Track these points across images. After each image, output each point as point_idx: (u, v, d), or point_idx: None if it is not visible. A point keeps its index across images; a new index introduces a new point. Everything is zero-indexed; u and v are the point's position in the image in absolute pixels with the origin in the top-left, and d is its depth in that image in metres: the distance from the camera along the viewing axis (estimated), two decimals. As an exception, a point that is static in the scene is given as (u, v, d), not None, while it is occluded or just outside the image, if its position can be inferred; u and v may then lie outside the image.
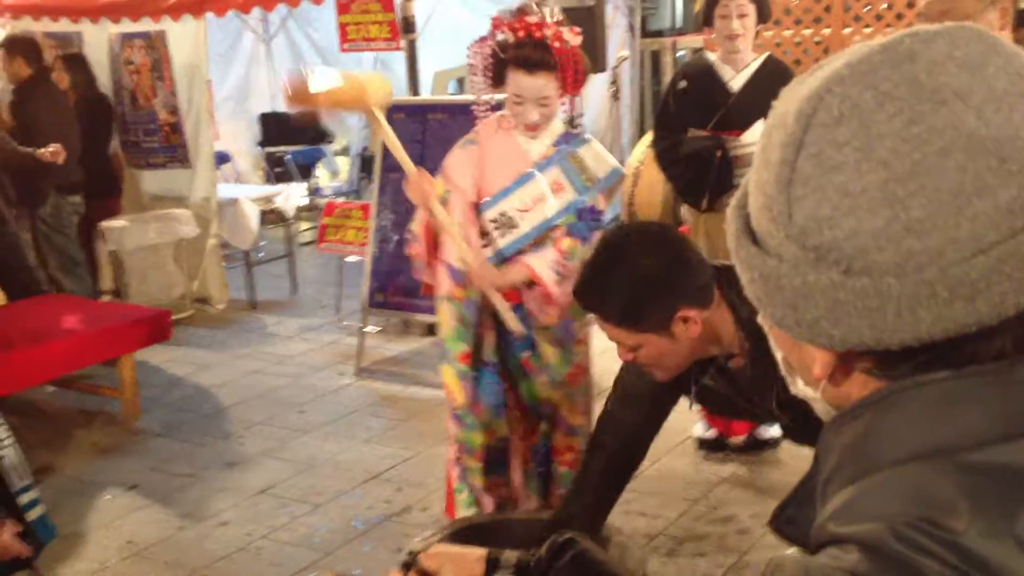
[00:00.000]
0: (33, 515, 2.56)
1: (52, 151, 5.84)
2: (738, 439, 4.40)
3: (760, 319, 0.88)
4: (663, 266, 2.03)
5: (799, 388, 0.90)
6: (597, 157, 3.26)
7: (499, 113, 3.25)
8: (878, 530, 0.71)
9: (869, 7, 6.90)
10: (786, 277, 0.78)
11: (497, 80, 3.14)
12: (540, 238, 3.20)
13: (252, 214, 7.25)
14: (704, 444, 4.45)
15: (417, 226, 3.28)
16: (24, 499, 2.54)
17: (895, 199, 0.73)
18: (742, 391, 2.22)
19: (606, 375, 3.30)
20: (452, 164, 3.28)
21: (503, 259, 3.22)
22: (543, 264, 3.13)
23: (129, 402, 5.20)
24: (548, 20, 3.10)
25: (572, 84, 3.12)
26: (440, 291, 3.26)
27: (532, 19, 3.08)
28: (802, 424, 2.07)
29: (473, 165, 3.22)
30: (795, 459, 4.35)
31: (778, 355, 0.90)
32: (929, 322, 0.74)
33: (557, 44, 3.07)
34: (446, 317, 3.26)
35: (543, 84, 3.08)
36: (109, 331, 5.07)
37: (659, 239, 2.10)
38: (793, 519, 0.91)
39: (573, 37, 3.12)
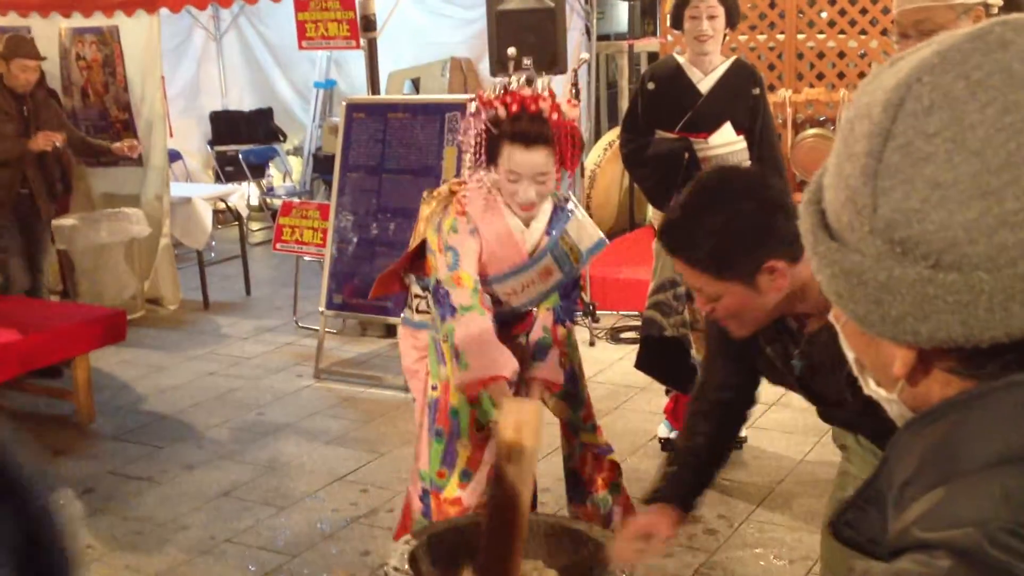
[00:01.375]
0: None
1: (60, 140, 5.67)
2: (702, 439, 4.42)
3: (832, 316, 0.86)
4: (756, 213, 1.96)
5: (872, 389, 0.88)
6: (580, 230, 3.14)
7: (485, 185, 3.04)
8: (972, 536, 0.69)
9: (823, 12, 7.00)
10: (870, 272, 0.77)
11: (490, 158, 2.95)
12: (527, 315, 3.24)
13: (205, 213, 7.15)
14: (668, 445, 4.46)
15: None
16: None
17: (988, 190, 0.71)
18: (813, 364, 2.15)
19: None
20: (463, 245, 3.04)
21: None
22: (553, 371, 3.19)
23: (83, 404, 5.09)
24: (542, 92, 2.93)
25: (570, 159, 2.95)
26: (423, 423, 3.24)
27: (526, 92, 2.90)
28: (873, 411, 2.05)
29: (479, 250, 3.05)
30: (758, 460, 4.39)
31: (849, 355, 0.88)
32: (1022, 317, 0.72)
33: (555, 116, 2.90)
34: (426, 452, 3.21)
35: (541, 160, 2.89)
36: (64, 331, 4.96)
37: (756, 185, 2.03)
38: (853, 523, 0.88)
39: (570, 109, 2.95)
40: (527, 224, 3.06)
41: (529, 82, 2.96)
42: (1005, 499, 0.70)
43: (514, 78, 2.98)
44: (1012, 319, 0.73)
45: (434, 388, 3.17)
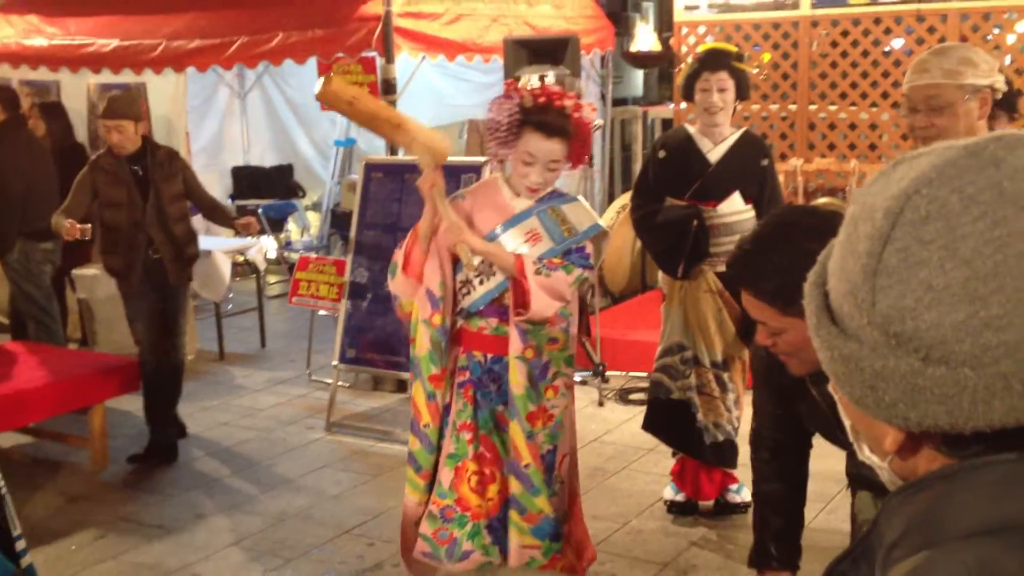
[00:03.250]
0: (24, 563, 2.56)
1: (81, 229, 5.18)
2: (708, 503, 4.47)
3: (831, 389, 0.94)
4: (815, 244, 2.04)
5: (866, 454, 0.96)
6: (580, 213, 3.38)
7: (491, 173, 3.41)
8: None
9: (834, 84, 7.14)
10: (866, 360, 0.84)
11: (512, 138, 3.28)
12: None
13: (224, 266, 7.27)
14: (674, 507, 4.50)
15: (404, 246, 3.37)
16: (18, 546, 2.54)
17: (976, 296, 0.79)
18: None
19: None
20: None
21: (476, 310, 3.34)
22: (529, 259, 3.24)
23: (97, 452, 5.17)
24: (569, 93, 3.31)
25: (579, 155, 3.32)
26: (420, 315, 3.35)
27: (555, 88, 3.27)
28: None
29: (461, 217, 3.30)
30: (762, 523, 4.42)
31: (846, 422, 0.96)
32: (1002, 412, 0.80)
33: (576, 115, 3.26)
34: (422, 339, 3.35)
35: (556, 149, 3.25)
36: (81, 379, 5.05)
37: (829, 225, 2.09)
38: (845, 575, 0.95)
39: (590, 113, 3.31)
40: (518, 194, 3.37)
41: (559, 83, 3.23)
42: (979, 567, 0.77)
43: (549, 75, 3.28)
44: (992, 412, 0.80)
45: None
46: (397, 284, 3.37)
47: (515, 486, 3.33)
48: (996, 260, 0.79)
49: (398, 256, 3.36)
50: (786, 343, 2.09)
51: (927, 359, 0.80)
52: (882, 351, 0.83)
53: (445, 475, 3.34)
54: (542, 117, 3.22)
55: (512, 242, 3.29)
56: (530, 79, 3.38)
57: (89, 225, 5.22)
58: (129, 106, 5.32)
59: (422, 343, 3.36)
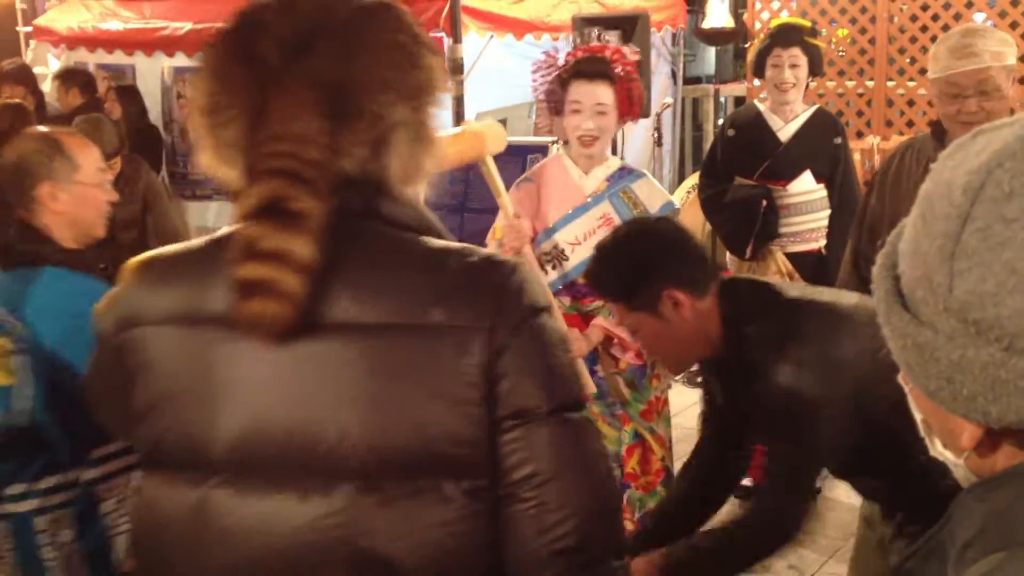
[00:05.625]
0: None
1: None
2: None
3: (901, 379, 0.87)
4: (651, 250, 2.22)
5: (938, 450, 0.89)
6: (651, 192, 3.32)
7: (555, 154, 3.39)
8: None
9: (913, 60, 6.93)
10: (942, 350, 0.78)
11: (560, 104, 3.25)
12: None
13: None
14: (740, 491, 4.42)
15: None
16: None
17: None
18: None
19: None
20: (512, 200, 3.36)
21: (552, 292, 3.29)
22: (612, 322, 3.22)
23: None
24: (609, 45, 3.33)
25: (627, 101, 3.23)
26: None
27: (592, 44, 3.33)
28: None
29: (529, 202, 3.32)
30: (832, 511, 4.32)
31: (917, 416, 0.89)
32: None
33: (616, 58, 3.23)
34: None
35: (601, 92, 3.18)
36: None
37: (655, 227, 2.37)
38: (912, 572, 0.91)
39: (631, 53, 3.28)
40: (587, 172, 3.31)
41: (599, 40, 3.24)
42: None
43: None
44: None
45: None
46: None
47: None
48: None
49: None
50: (643, 338, 2.27)
51: (1010, 349, 0.74)
52: (960, 340, 0.76)
53: None
54: (580, 66, 3.21)
55: (581, 230, 3.25)
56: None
57: None
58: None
59: None
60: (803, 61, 4.03)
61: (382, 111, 1.21)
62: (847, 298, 2.24)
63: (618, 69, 3.21)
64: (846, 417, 2.03)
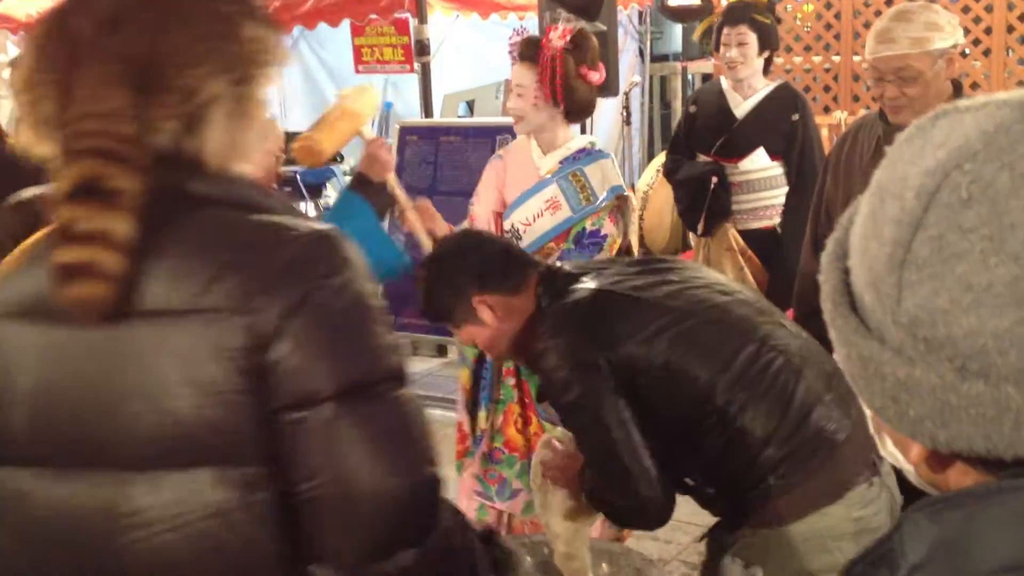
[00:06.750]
0: None
1: None
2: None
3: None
4: (454, 264, 2.34)
5: (888, 451, 0.81)
6: (604, 175, 3.26)
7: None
8: None
9: (878, 35, 6.94)
10: (889, 365, 0.70)
11: None
12: (537, 253, 3.23)
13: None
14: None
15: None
16: None
17: None
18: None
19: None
20: (483, 176, 3.46)
21: None
22: None
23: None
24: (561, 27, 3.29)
25: (548, 84, 3.15)
26: None
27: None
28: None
29: (497, 177, 3.37)
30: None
31: (867, 411, 0.80)
32: None
33: (545, 43, 3.20)
34: None
35: (521, 73, 3.21)
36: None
37: (453, 244, 2.50)
38: None
39: (557, 39, 3.17)
40: (546, 153, 3.30)
41: (553, 21, 3.27)
42: None
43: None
44: None
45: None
46: None
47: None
48: None
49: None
50: (482, 344, 2.40)
51: (963, 372, 0.66)
52: (908, 356, 0.68)
53: (495, 420, 3.35)
54: (517, 48, 3.26)
55: (531, 211, 3.26)
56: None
57: None
58: None
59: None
60: (751, 39, 4.00)
61: (194, 84, 1.18)
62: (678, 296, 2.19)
63: (545, 44, 3.16)
64: (611, 392, 2.05)
